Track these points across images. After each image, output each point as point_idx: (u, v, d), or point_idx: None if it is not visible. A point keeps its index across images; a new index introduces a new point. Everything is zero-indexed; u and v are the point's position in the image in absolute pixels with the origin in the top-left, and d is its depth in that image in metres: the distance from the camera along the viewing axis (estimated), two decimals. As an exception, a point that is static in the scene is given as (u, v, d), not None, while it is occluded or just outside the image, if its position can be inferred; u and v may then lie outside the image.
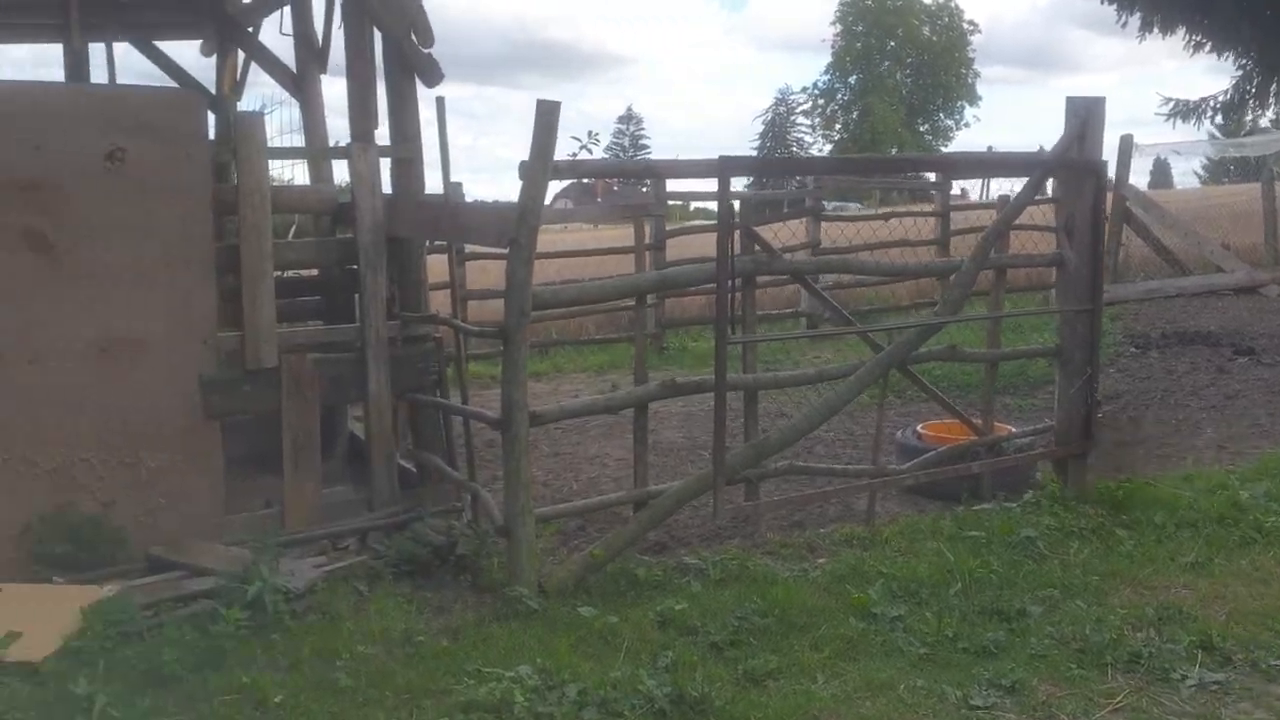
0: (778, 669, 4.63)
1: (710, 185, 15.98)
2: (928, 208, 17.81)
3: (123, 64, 12.69)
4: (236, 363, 5.92)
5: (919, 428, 7.77)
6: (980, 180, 20.51)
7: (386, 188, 6.43)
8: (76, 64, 7.41)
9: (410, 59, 6.32)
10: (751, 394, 6.30)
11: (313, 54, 8.09)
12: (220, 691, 4.38)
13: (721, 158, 5.48)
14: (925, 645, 4.86)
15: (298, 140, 8.47)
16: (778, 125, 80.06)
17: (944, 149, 65.12)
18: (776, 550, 6.15)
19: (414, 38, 6.30)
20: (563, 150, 5.41)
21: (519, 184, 5.20)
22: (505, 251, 5.27)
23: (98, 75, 8.85)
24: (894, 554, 6.01)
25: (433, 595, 5.44)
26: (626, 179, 23.41)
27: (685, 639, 4.92)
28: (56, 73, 8.41)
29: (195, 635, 4.75)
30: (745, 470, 6.10)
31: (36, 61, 64.90)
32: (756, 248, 6.23)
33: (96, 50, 8.92)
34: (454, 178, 6.52)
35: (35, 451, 5.43)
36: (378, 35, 6.52)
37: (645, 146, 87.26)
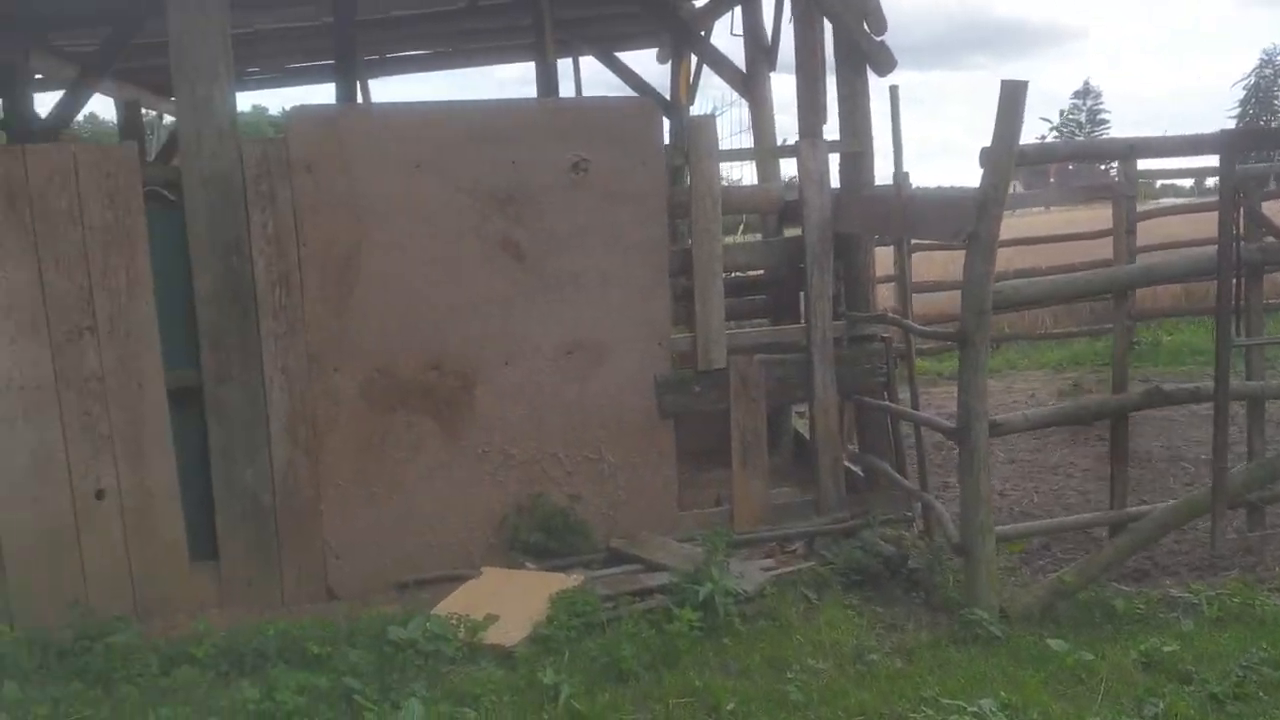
0: (1297, 734, 3.90)
1: (1184, 162, 14.34)
2: None
3: (586, 77, 13.59)
4: (688, 363, 6.01)
5: None
6: None
7: (835, 182, 6.24)
8: (548, 79, 7.94)
9: (862, 48, 6.08)
10: (1257, 403, 5.41)
11: (761, 52, 8.10)
12: (674, 693, 4.41)
13: (1224, 131, 4.73)
14: None
15: (746, 140, 8.55)
16: (1263, 90, 70.76)
17: None
18: (1288, 588, 5.25)
19: (866, 26, 6.06)
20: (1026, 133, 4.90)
21: (968, 171, 4.80)
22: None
23: (566, 88, 9.48)
24: None
25: (883, 610, 5.19)
26: (1087, 159, 21.56)
27: (1176, 686, 4.28)
28: (533, 89, 9.11)
29: (650, 632, 4.85)
30: (1251, 493, 5.25)
31: (521, 80, 72.01)
32: (1263, 233, 5.33)
33: (565, 65, 9.58)
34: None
35: (512, 446, 5.81)
36: (827, 28, 6.36)
37: (1104, 122, 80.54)
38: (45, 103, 8.96)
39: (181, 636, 5.08)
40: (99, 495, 5.32)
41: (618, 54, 10.03)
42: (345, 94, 8.45)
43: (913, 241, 11.64)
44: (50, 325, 5.22)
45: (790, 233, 7.29)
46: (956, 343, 5.02)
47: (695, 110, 9.57)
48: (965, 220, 4.86)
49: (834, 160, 6.25)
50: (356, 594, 5.58)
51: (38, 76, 8.42)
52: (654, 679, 4.54)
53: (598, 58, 9.96)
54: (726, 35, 8.50)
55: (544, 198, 5.74)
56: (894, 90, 5.80)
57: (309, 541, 5.59)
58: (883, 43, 6.07)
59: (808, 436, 7.42)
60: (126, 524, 5.36)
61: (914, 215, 5.58)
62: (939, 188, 8.47)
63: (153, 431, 5.34)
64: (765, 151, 7.41)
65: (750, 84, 8.25)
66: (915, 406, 6.08)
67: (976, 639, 4.79)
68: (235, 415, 5.42)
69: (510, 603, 5.18)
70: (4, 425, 5.20)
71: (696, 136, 5.95)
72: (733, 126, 8.82)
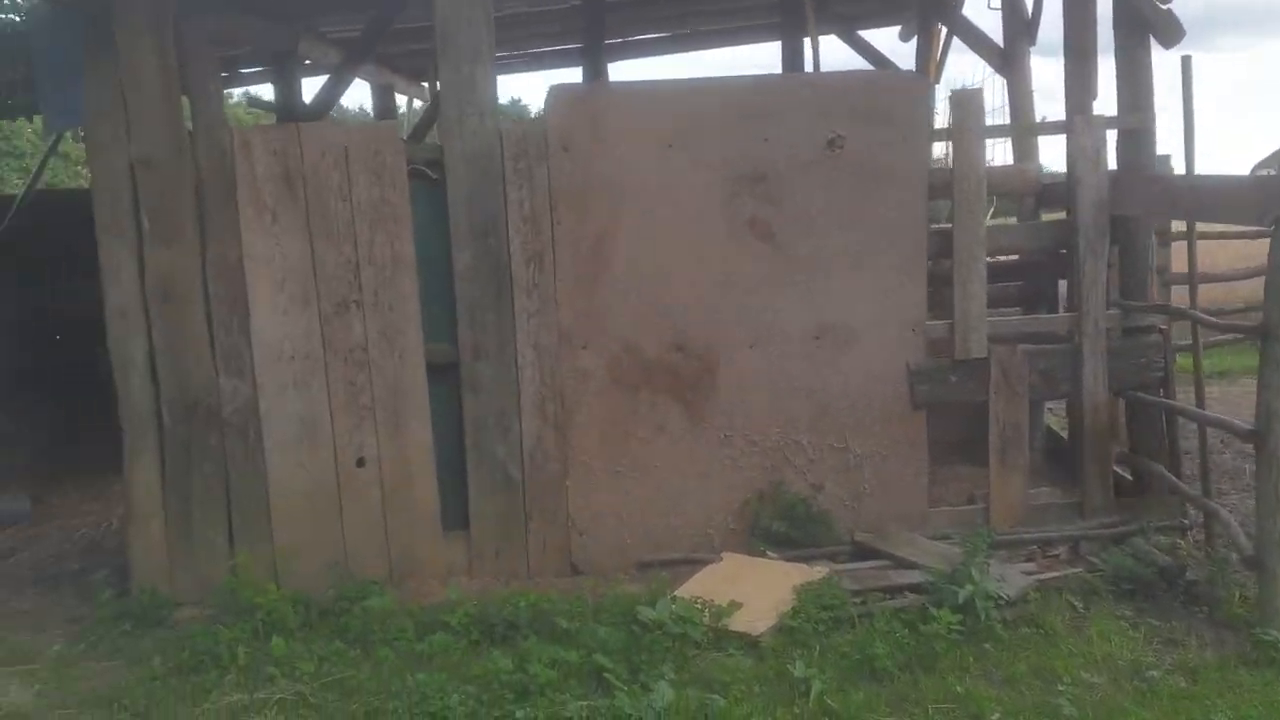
0: None
1: None
2: None
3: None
4: (943, 352, 5.72)
5: None
6: None
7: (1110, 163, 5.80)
8: (793, 59, 7.73)
9: (1146, 16, 5.61)
10: None
11: (1021, 26, 7.66)
12: (932, 697, 4.20)
13: None
14: None
15: (997, 120, 8.10)
16: None
17: None
18: None
19: (1151, -8, 5.59)
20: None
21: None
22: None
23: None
24: None
25: (1159, 624, 4.79)
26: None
27: None
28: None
29: (904, 631, 4.64)
30: None
31: (733, 65, 71.60)
32: None
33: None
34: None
35: (755, 431, 5.69)
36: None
37: (1375, 104, 73.32)
38: (305, 89, 9.43)
39: (434, 603, 5.22)
40: (360, 463, 5.53)
41: (860, 33, 9.72)
42: (592, 77, 8.50)
43: (1171, 228, 10.83)
44: (320, 297, 5.44)
45: (1047, 217, 6.88)
46: (1257, 337, 4.57)
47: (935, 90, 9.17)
48: (1274, 202, 4.39)
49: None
50: (597, 570, 5.60)
51: (306, 62, 8.87)
52: (910, 681, 4.34)
53: (839, 36, 9.67)
54: (981, 9, 8.11)
55: (796, 176, 5.57)
56: (1186, 61, 5.32)
57: (555, 516, 5.63)
58: (1170, 11, 5.59)
59: (1060, 433, 7.03)
60: (385, 491, 5.54)
61: (1208, 197, 5.10)
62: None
63: (412, 403, 5.50)
64: (1032, 127, 6.96)
65: (1008, 60, 7.80)
66: (1200, 405, 5.59)
67: (1272, 662, 4.36)
68: (489, 389, 5.51)
69: (753, 590, 5.07)
70: (275, 393, 5.47)
71: (961, 111, 5.64)
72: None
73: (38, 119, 10.75)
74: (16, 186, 18.55)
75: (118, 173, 5.33)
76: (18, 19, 7.00)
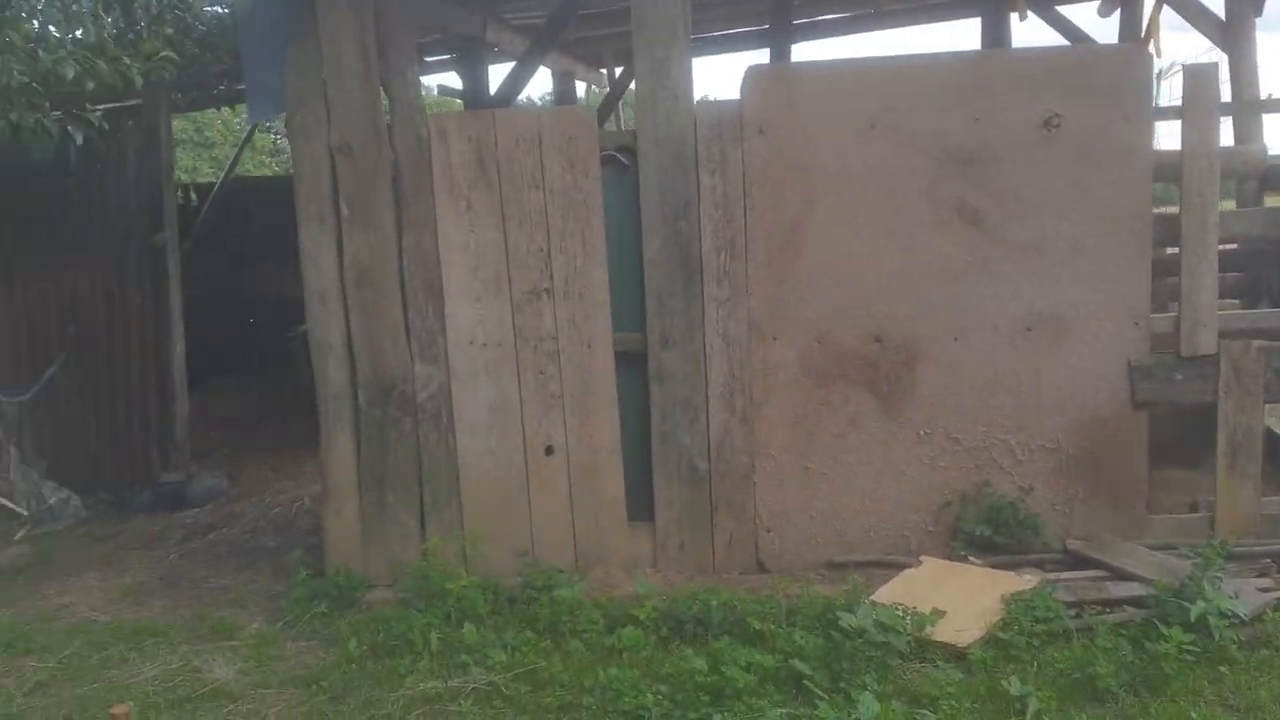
0: None
1: None
2: None
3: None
4: (1168, 347, 5.30)
5: None
6: None
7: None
8: (994, 36, 7.31)
9: None
10: None
11: (1248, -4, 7.04)
12: (1163, 723, 3.87)
13: None
14: None
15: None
16: None
17: None
18: None
19: None
20: None
21: None
22: None
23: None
24: None
25: None
26: None
27: None
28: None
29: (1128, 649, 4.30)
30: None
31: (917, 45, 69.57)
32: None
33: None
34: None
35: (957, 429, 5.39)
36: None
37: None
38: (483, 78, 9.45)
39: (621, 595, 5.13)
40: (548, 451, 5.48)
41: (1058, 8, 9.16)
42: (778, 58, 8.25)
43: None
44: (512, 285, 5.40)
45: (1269, 201, 6.33)
46: None
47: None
48: None
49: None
50: (784, 568, 5.41)
51: (494, 49, 8.90)
52: (1137, 704, 4.01)
53: (1035, 12, 9.14)
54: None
55: (1008, 157, 5.23)
56: None
57: (741, 510, 5.47)
58: None
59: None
60: (572, 480, 5.48)
61: None
62: None
63: (600, 392, 5.42)
64: (1264, 104, 6.37)
65: (1230, 33, 7.19)
66: None
67: None
68: (676, 379, 5.38)
69: (956, 598, 4.79)
70: (467, 379, 5.47)
71: (1195, 87, 5.19)
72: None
73: (227, 110, 11.23)
74: (208, 176, 19.52)
75: (318, 160, 5.40)
76: (222, 10, 7.21)
